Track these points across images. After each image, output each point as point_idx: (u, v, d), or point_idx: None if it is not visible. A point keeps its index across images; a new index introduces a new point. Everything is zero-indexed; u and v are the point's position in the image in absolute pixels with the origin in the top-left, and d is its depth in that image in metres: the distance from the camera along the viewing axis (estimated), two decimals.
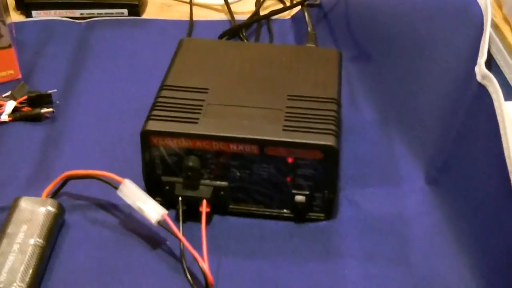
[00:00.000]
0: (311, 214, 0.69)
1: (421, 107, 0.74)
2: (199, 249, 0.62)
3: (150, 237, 0.67)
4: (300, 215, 0.69)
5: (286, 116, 0.67)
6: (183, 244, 0.64)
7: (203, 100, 0.68)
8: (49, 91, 0.81)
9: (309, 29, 0.80)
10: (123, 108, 0.83)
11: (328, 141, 0.64)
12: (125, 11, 0.96)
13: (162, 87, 0.70)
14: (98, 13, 0.96)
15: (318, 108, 0.67)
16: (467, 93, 0.66)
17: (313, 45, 0.80)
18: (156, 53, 0.91)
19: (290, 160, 0.65)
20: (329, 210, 0.69)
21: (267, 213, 0.69)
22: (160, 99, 0.69)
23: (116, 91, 0.85)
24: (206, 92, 0.69)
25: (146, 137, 0.66)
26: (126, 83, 0.87)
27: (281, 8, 0.93)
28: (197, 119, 0.66)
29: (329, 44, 0.88)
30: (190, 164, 0.66)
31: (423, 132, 0.73)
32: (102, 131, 0.80)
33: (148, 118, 0.67)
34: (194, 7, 1.00)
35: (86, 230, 0.68)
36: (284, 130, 0.65)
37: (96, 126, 0.81)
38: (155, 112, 0.67)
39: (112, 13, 0.96)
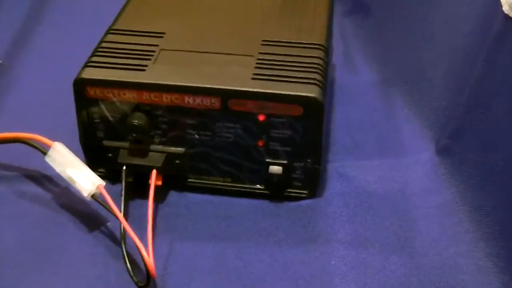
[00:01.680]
0: (290, 190, 0.52)
1: (427, 62, 0.58)
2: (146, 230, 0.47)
3: (88, 214, 0.52)
4: (276, 191, 0.52)
5: (258, 63, 0.50)
6: (122, 225, 0.48)
7: (155, 45, 0.52)
8: None
9: None
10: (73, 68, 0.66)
11: (311, 92, 0.48)
12: None
13: (107, 31, 0.54)
14: None
15: (299, 55, 0.51)
16: (488, 34, 0.50)
17: None
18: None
19: (261, 117, 0.49)
20: (313, 185, 0.52)
21: (235, 188, 0.53)
22: (104, 44, 0.52)
23: (70, 51, 0.68)
24: (161, 37, 0.53)
25: (81, 88, 0.50)
26: (84, 42, 0.71)
27: None
28: (145, 66, 0.50)
29: None
30: (136, 122, 0.49)
31: (430, 91, 0.57)
32: (48, 91, 0.64)
33: (85, 65, 0.51)
34: None
35: (15, 205, 0.53)
36: (253, 78, 0.49)
37: (42, 85, 0.65)
38: (94, 59, 0.51)
39: None
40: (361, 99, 0.61)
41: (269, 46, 0.52)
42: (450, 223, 0.50)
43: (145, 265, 0.46)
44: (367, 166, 0.55)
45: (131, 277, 0.47)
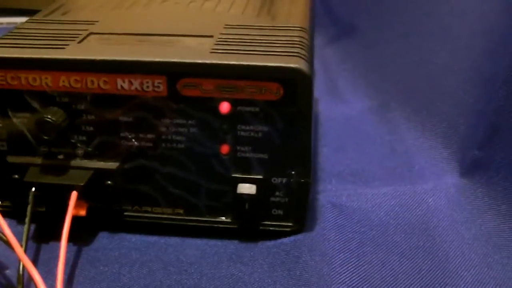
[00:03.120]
0: (268, 223, 0.36)
1: (433, 77, 0.44)
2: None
3: None
4: (248, 224, 0.36)
5: (220, 40, 0.36)
6: (23, 265, 0.31)
7: (84, 30, 0.37)
8: None
9: None
10: None
11: (293, 62, 0.33)
12: None
13: (26, 21, 0.40)
14: None
15: (274, 35, 0.37)
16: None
17: None
18: None
19: (224, 107, 0.33)
20: (302, 212, 0.36)
21: (190, 223, 0.36)
22: (17, 30, 0.38)
23: None
24: (93, 24, 0.39)
25: None
26: None
27: None
28: (66, 45, 0.35)
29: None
30: (49, 118, 0.34)
31: (443, 108, 0.43)
32: None
33: None
34: None
35: None
36: (213, 52, 0.34)
37: None
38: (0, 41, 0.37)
39: None
40: (354, 128, 0.47)
41: (234, 29, 0.38)
42: (477, 261, 0.34)
43: None
44: (371, 195, 0.39)
45: None
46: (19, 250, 0.31)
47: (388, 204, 0.38)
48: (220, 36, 0.36)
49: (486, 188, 0.37)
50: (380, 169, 0.41)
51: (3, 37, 0.37)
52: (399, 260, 0.34)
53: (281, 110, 0.33)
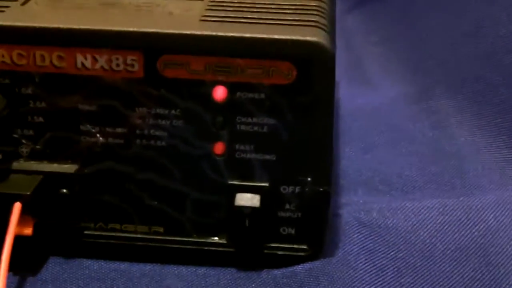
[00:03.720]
0: (275, 245, 0.29)
1: (499, 53, 0.38)
2: None
3: None
4: (249, 247, 0.29)
5: (212, 4, 0.29)
6: None
7: None
8: None
9: None
10: None
11: (311, 34, 0.26)
12: None
13: None
14: None
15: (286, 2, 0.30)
16: None
17: None
18: None
19: (219, 93, 0.27)
20: (319, 232, 0.29)
21: (172, 245, 0.29)
22: None
23: None
24: None
25: None
26: None
27: None
28: (6, 6, 0.28)
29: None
30: None
31: (508, 96, 0.36)
32: None
33: None
34: None
35: None
36: (203, 20, 0.28)
37: None
38: None
39: None
40: (389, 121, 0.41)
41: None
42: None
43: None
44: (409, 209, 0.32)
45: None
46: None
47: (434, 222, 0.31)
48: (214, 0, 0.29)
49: None
50: (422, 175, 0.35)
51: None
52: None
53: (293, 98, 0.27)
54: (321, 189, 0.28)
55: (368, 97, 0.42)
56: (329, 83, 0.27)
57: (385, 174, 0.35)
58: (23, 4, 0.29)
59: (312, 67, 0.27)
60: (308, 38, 0.26)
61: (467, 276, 0.29)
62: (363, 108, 0.41)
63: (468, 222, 0.31)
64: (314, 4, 0.30)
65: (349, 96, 0.42)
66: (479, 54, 0.40)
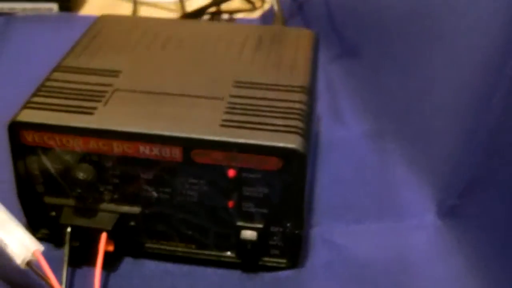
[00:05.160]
0: (266, 259, 0.43)
1: (430, 111, 0.49)
2: None
3: (25, 283, 0.42)
4: (250, 259, 0.43)
5: (229, 107, 0.42)
6: None
7: (109, 85, 0.44)
8: None
9: (275, 8, 0.55)
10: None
11: (291, 142, 0.39)
12: (55, 6, 0.73)
13: (54, 69, 0.46)
14: (21, 8, 0.73)
15: (278, 99, 0.43)
16: (503, 80, 0.41)
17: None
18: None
19: (231, 172, 0.40)
20: (294, 253, 0.43)
21: (200, 256, 0.44)
22: (48, 83, 0.44)
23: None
24: (116, 76, 0.45)
25: (16, 132, 0.41)
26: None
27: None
28: (94, 108, 0.42)
29: None
30: (81, 176, 0.41)
31: (434, 144, 0.48)
32: None
33: (23, 106, 0.42)
34: (142, 7, 0.76)
35: None
36: (222, 125, 0.40)
37: None
38: (34, 99, 0.42)
39: (39, 8, 0.73)
40: (352, 154, 0.53)
41: (242, 88, 0.44)
42: None
43: None
44: (360, 232, 0.46)
45: None
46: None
47: (373, 241, 0.45)
48: (230, 100, 0.42)
49: (460, 234, 0.44)
50: (371, 203, 0.48)
51: (37, 94, 0.43)
52: None
53: (280, 177, 0.40)
54: (296, 231, 0.42)
55: (340, 132, 0.54)
56: (303, 171, 0.40)
57: (347, 203, 0.47)
58: (105, 104, 0.42)
59: (292, 162, 0.39)
60: (289, 146, 0.39)
61: (393, 281, 0.43)
62: (337, 142, 0.52)
63: (397, 241, 0.44)
64: (298, 106, 0.42)
65: (328, 129, 0.53)
66: (419, 110, 0.50)
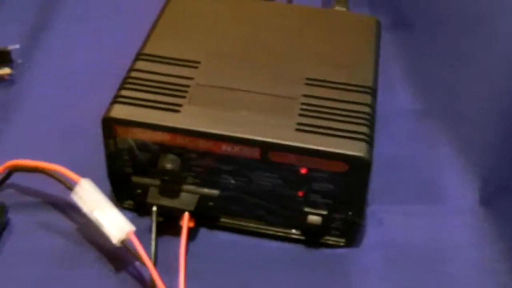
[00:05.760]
0: (327, 238, 0.49)
1: (478, 99, 0.53)
2: (175, 275, 0.45)
3: (114, 253, 0.48)
4: (313, 238, 0.49)
5: (302, 109, 0.46)
6: (152, 276, 0.45)
7: (190, 79, 0.48)
8: (9, 47, 0.61)
9: None
10: (95, 77, 0.61)
11: (358, 150, 0.44)
12: None
13: (137, 57, 0.50)
14: None
15: (346, 101, 0.47)
16: None
17: (343, 9, 0.58)
18: (141, 12, 0.64)
19: (303, 170, 0.45)
20: (352, 235, 0.49)
21: (269, 232, 0.49)
22: (133, 74, 0.48)
23: (88, 56, 0.64)
24: (196, 67, 0.49)
25: (109, 125, 0.46)
26: (100, 46, 0.65)
27: None
28: (180, 106, 0.46)
29: (361, 8, 0.64)
30: (168, 166, 0.46)
31: (479, 132, 0.53)
32: (65, 104, 0.59)
33: (114, 100, 0.47)
34: None
35: (32, 236, 0.49)
36: (297, 130, 0.45)
37: (58, 97, 0.60)
38: (123, 92, 0.47)
39: None
40: (398, 130, 0.56)
41: (313, 87, 0.48)
42: (490, 284, 0.47)
43: None
44: (406, 212, 0.51)
45: None
46: (148, 262, 0.45)
47: (416, 223, 0.50)
48: (302, 100, 0.46)
49: (497, 223, 0.49)
50: (416, 184, 0.52)
51: (125, 87, 0.47)
52: (417, 273, 0.47)
53: (345, 178, 0.45)
54: (356, 219, 0.48)
55: (389, 103, 0.55)
56: (367, 174, 0.45)
57: (390, 186, 0.52)
58: (189, 102, 0.46)
59: (357, 167, 0.44)
60: (356, 154, 0.44)
61: (426, 264, 0.49)
62: (383, 113, 0.52)
63: (433, 225, 0.50)
64: (363, 110, 0.46)
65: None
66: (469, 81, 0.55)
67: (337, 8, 0.57)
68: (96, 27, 0.68)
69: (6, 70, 0.60)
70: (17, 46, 0.62)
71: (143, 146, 0.46)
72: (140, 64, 0.49)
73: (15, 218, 0.50)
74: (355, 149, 0.44)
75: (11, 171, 0.50)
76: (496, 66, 0.52)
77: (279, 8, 0.57)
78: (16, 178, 0.51)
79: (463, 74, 0.54)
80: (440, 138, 0.56)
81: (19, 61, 0.62)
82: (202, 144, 0.45)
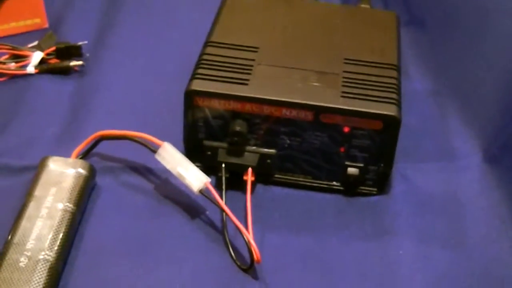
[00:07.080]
0: (362, 188, 0.60)
1: (482, 79, 0.65)
2: (241, 220, 0.54)
3: (188, 205, 0.58)
4: (351, 188, 0.60)
5: (344, 81, 0.57)
6: (226, 214, 0.55)
7: (252, 60, 0.59)
8: (79, 43, 0.72)
9: None
10: (158, 66, 0.73)
11: (390, 110, 0.55)
12: None
13: (206, 44, 0.61)
14: None
15: (377, 75, 0.58)
16: None
17: (367, 6, 0.70)
18: (197, 10, 0.79)
19: (346, 129, 0.56)
20: (383, 184, 0.60)
21: (315, 184, 0.60)
22: (206, 57, 0.59)
23: (150, 47, 0.75)
24: (256, 51, 0.60)
25: (191, 97, 0.56)
26: (161, 39, 0.77)
27: None
28: (247, 80, 0.57)
29: (380, 4, 0.78)
30: (238, 128, 0.56)
31: (482, 105, 0.64)
32: (135, 89, 0.70)
33: (193, 76, 0.57)
34: None
35: (120, 195, 0.59)
36: (342, 96, 0.56)
37: (128, 83, 0.71)
38: (200, 71, 0.58)
39: None
40: (415, 106, 0.68)
41: (351, 65, 0.59)
42: (496, 224, 0.58)
43: (249, 249, 0.52)
44: (425, 169, 0.62)
45: (234, 260, 0.54)
46: (223, 205, 0.55)
47: (434, 176, 0.61)
48: (343, 75, 0.58)
49: (500, 176, 0.60)
50: (432, 147, 0.64)
51: (200, 66, 0.58)
52: (436, 216, 0.58)
53: (380, 134, 0.56)
54: (386, 170, 0.58)
55: (407, 86, 0.65)
56: (397, 130, 0.56)
57: (414, 148, 0.63)
58: (254, 77, 0.57)
59: (389, 124, 0.55)
60: (390, 113, 0.55)
61: (441, 208, 0.60)
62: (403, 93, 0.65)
63: (449, 179, 0.62)
64: (392, 82, 0.57)
65: None
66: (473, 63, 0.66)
67: (362, 5, 0.69)
68: (153, 29, 0.78)
69: (79, 62, 0.71)
70: (86, 42, 0.72)
71: (216, 114, 0.57)
72: (210, 50, 0.60)
73: (103, 181, 0.60)
74: (388, 110, 0.55)
75: (98, 140, 0.61)
76: (499, 51, 0.64)
77: (319, 5, 0.70)
78: (101, 146, 0.61)
79: (469, 58, 0.66)
80: (450, 111, 0.68)
81: (87, 55, 0.72)
82: (266, 110, 0.56)
